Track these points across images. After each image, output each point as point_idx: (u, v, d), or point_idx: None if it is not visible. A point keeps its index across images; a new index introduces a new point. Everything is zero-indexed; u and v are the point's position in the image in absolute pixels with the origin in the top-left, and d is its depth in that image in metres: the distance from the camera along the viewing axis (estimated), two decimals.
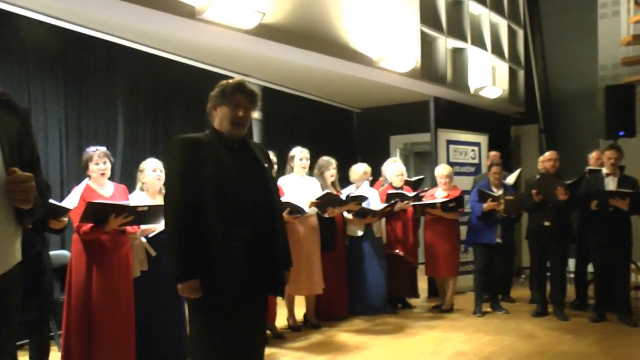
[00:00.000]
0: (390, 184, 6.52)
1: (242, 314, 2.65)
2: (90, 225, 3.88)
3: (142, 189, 4.46)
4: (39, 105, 5.38)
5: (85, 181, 3.97)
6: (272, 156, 5.36)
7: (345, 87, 8.03)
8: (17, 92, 5.12)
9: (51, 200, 3.47)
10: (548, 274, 6.20)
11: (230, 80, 2.77)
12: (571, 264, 6.66)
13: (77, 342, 3.90)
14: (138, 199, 4.33)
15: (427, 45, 7.30)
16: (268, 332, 5.16)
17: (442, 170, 6.48)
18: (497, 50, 8.57)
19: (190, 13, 4.67)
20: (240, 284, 2.58)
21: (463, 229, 6.61)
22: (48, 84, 5.48)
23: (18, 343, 4.15)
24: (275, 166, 5.30)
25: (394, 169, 6.54)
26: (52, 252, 4.23)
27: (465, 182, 7.34)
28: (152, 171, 4.41)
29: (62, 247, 4.98)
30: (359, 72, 6.58)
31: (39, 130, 5.33)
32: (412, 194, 6.39)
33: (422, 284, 7.16)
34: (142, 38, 6.03)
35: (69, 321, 3.94)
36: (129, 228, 4.11)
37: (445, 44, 7.47)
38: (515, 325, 5.79)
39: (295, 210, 5.14)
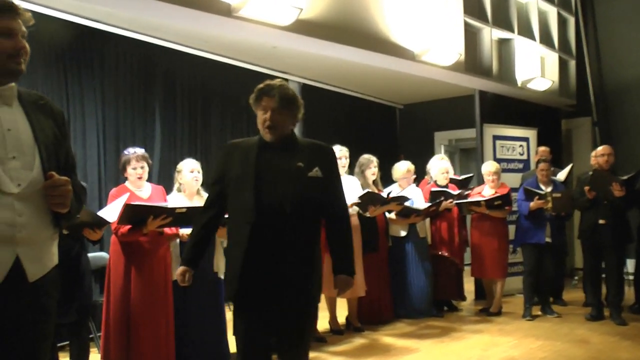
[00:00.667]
0: (435, 182, 6.45)
1: (261, 312, 2.68)
2: (128, 226, 3.95)
3: (179, 190, 4.50)
4: (77, 108, 5.52)
5: (126, 195, 4.02)
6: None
7: (386, 82, 7.99)
8: (55, 95, 5.28)
9: (87, 209, 3.56)
10: (603, 275, 6.02)
11: (262, 84, 2.80)
12: (629, 264, 6.44)
13: (117, 344, 3.99)
14: (175, 200, 4.38)
15: (472, 36, 7.18)
16: None
17: (489, 167, 6.37)
18: (546, 39, 8.36)
19: (226, 10, 4.71)
20: (241, 283, 2.63)
21: (512, 229, 6.48)
22: (86, 86, 5.62)
23: (59, 344, 4.26)
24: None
25: (439, 167, 6.46)
26: (90, 254, 4.34)
27: (513, 179, 7.19)
28: (190, 172, 4.45)
29: (101, 249, 5.10)
30: (400, 66, 6.52)
31: (77, 133, 5.48)
32: (456, 192, 6.30)
33: (469, 285, 7.05)
34: (178, 37, 6.12)
35: (108, 323, 4.03)
36: (167, 230, 4.17)
37: (490, 34, 7.33)
38: (568, 330, 5.64)
39: None
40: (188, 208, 4.09)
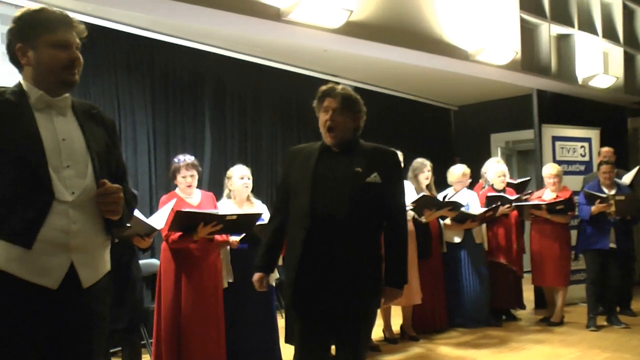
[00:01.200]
0: (492, 186, 6.33)
1: (316, 318, 2.72)
2: (178, 233, 4.02)
3: (229, 197, 4.55)
4: (127, 116, 5.67)
5: (173, 201, 4.08)
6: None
7: (440, 83, 7.92)
8: (106, 103, 5.44)
9: (139, 216, 3.65)
10: None
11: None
12: None
13: (168, 350, 4.06)
14: (225, 206, 4.42)
15: (528, 33, 7.04)
16: None
17: (550, 169, 6.21)
18: (609, 33, 8.09)
19: (275, 15, 4.77)
20: (294, 286, 2.70)
21: (574, 234, 6.29)
22: (136, 94, 5.76)
23: (111, 350, 4.38)
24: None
25: (495, 170, 6.34)
26: (142, 261, 4.43)
27: (573, 182, 6.97)
28: (240, 178, 4.49)
29: (152, 256, 5.21)
30: (454, 67, 6.46)
31: (128, 141, 5.63)
32: (514, 197, 6.17)
33: (529, 294, 6.88)
34: (227, 43, 6.21)
35: (159, 330, 4.11)
36: (217, 237, 4.22)
37: (548, 31, 7.17)
38: (639, 342, 5.43)
39: None
40: (238, 215, 4.13)
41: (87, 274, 1.96)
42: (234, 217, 4.08)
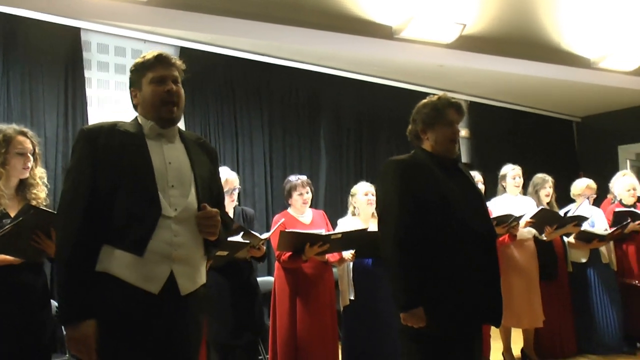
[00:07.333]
0: (620, 201, 5.89)
1: (464, 345, 2.67)
2: (288, 253, 4.00)
3: (354, 214, 4.51)
4: (245, 138, 5.83)
5: (282, 220, 4.10)
6: (479, 177, 5.23)
7: (560, 94, 7.56)
8: (225, 127, 5.63)
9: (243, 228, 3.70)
10: None
11: (436, 98, 2.79)
12: None
13: None
14: (349, 223, 4.38)
15: None
16: None
17: None
18: None
19: (387, 34, 4.84)
20: (467, 314, 2.59)
21: None
22: (254, 117, 5.92)
23: None
24: (482, 187, 5.10)
25: (623, 184, 5.87)
26: (259, 278, 4.49)
27: None
28: (364, 195, 4.42)
29: (269, 273, 5.29)
30: (575, 76, 6.14)
31: (246, 162, 5.77)
32: None
33: None
34: (343, 64, 6.27)
35: (275, 347, 4.11)
36: (329, 256, 4.16)
37: None
38: None
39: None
40: (343, 233, 4.02)
41: (185, 283, 2.12)
42: (339, 235, 3.99)
